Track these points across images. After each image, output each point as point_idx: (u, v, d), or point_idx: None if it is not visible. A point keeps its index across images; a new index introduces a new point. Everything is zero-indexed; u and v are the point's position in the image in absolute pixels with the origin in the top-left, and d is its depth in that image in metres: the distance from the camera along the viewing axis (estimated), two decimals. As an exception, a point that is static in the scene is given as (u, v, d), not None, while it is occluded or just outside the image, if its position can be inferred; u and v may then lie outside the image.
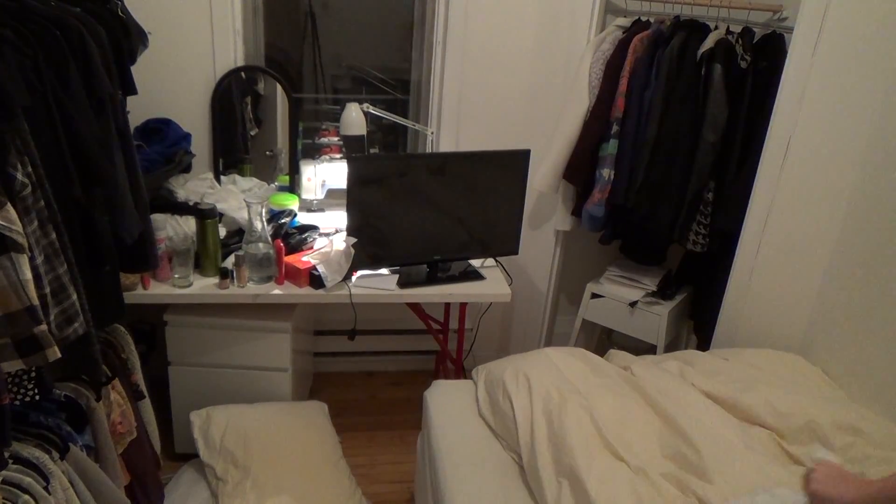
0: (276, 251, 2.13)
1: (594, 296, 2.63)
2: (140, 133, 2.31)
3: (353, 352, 2.97)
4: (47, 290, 1.28)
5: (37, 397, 1.32)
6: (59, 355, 1.26)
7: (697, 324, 2.63)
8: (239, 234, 2.27)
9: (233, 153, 2.60)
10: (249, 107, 2.60)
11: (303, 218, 2.48)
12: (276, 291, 2.13)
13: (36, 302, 1.20)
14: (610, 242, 2.65)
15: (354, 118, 2.43)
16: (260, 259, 2.10)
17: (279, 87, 2.56)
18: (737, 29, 2.29)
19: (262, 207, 2.10)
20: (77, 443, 1.51)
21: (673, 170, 2.27)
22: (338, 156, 2.67)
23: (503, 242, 2.38)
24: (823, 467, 1.32)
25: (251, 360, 2.23)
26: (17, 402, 1.30)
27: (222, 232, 2.21)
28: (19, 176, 1.21)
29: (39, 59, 1.29)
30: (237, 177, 2.56)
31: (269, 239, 2.12)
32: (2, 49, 1.19)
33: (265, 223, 2.13)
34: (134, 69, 1.72)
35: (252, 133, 2.63)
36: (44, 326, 1.22)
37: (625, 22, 2.43)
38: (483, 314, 2.83)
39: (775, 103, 2.02)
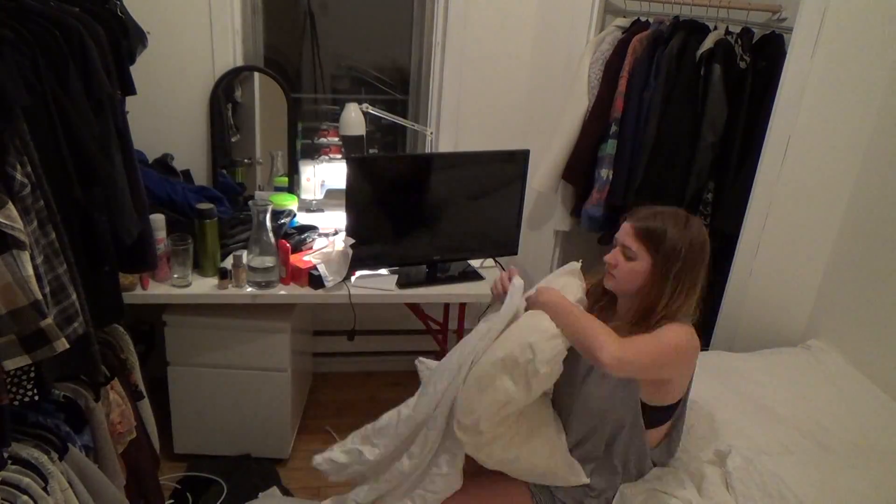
0: (283, 252, 2.13)
1: (593, 296, 2.63)
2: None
3: (352, 352, 2.97)
4: (47, 289, 1.28)
5: (36, 398, 1.32)
6: (68, 346, 1.27)
7: (696, 324, 2.63)
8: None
9: (224, 156, 2.59)
10: (230, 113, 2.59)
11: (302, 218, 2.48)
12: (276, 291, 2.12)
13: (40, 296, 1.20)
14: (609, 243, 2.64)
15: (354, 118, 2.42)
16: (264, 269, 2.10)
17: (256, 95, 2.56)
18: (736, 29, 2.29)
19: (268, 214, 2.07)
20: (76, 443, 1.51)
21: (672, 170, 2.27)
22: (337, 156, 2.67)
23: (502, 243, 2.38)
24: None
25: (250, 360, 2.23)
26: (17, 403, 1.30)
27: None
28: (18, 176, 1.21)
29: (38, 59, 1.29)
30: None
31: (276, 251, 2.11)
32: (1, 49, 1.19)
33: (270, 231, 2.11)
34: (133, 69, 1.71)
35: (233, 140, 2.62)
36: (50, 319, 1.22)
37: (624, 22, 2.43)
38: (482, 314, 2.82)
39: (774, 103, 2.02)
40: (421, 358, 1.90)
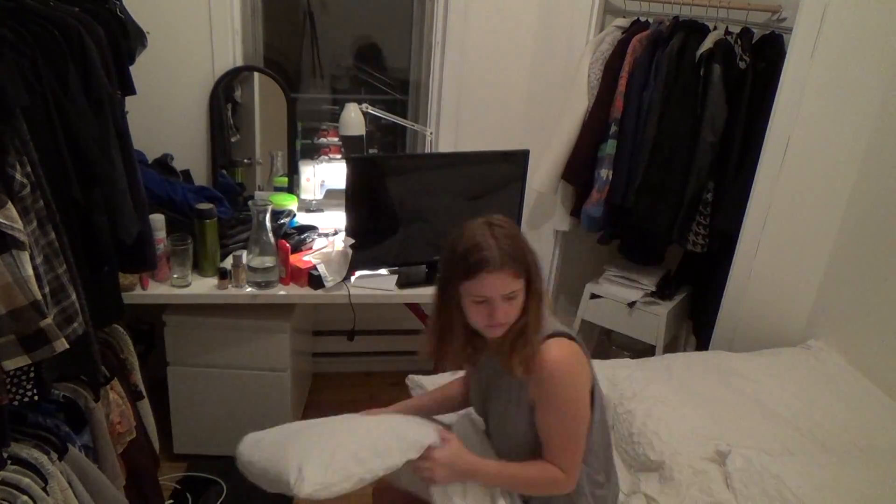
0: (282, 252, 2.12)
1: (593, 296, 2.63)
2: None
3: (352, 352, 2.97)
4: (46, 289, 1.28)
5: (35, 398, 1.32)
6: (67, 346, 1.27)
7: (697, 324, 2.63)
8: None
9: (224, 156, 2.59)
10: (230, 113, 2.60)
11: (302, 218, 2.48)
12: (276, 292, 2.12)
13: (39, 296, 1.20)
14: (609, 242, 2.65)
15: (353, 118, 2.42)
16: (264, 269, 2.10)
17: (256, 95, 2.56)
18: (736, 29, 2.29)
19: (268, 214, 2.07)
20: (76, 443, 1.51)
21: (672, 170, 2.27)
22: (337, 156, 2.67)
23: (502, 242, 2.37)
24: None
25: (250, 360, 2.23)
26: (16, 403, 1.30)
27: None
28: (18, 176, 1.21)
29: (38, 59, 1.29)
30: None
31: (276, 251, 2.11)
32: (1, 49, 1.19)
33: (270, 231, 2.11)
34: (133, 69, 1.71)
35: (233, 140, 2.63)
36: (49, 319, 1.22)
37: (624, 22, 2.43)
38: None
39: (774, 103, 2.02)
40: (412, 375, 1.89)
